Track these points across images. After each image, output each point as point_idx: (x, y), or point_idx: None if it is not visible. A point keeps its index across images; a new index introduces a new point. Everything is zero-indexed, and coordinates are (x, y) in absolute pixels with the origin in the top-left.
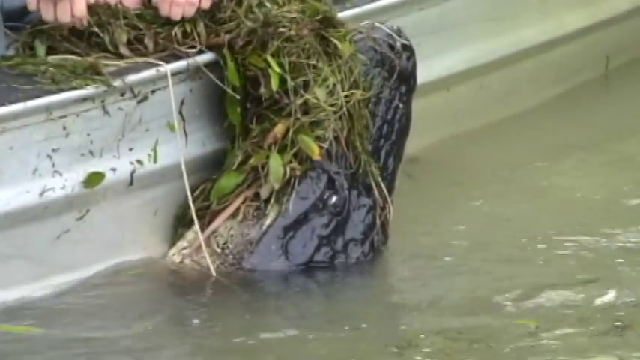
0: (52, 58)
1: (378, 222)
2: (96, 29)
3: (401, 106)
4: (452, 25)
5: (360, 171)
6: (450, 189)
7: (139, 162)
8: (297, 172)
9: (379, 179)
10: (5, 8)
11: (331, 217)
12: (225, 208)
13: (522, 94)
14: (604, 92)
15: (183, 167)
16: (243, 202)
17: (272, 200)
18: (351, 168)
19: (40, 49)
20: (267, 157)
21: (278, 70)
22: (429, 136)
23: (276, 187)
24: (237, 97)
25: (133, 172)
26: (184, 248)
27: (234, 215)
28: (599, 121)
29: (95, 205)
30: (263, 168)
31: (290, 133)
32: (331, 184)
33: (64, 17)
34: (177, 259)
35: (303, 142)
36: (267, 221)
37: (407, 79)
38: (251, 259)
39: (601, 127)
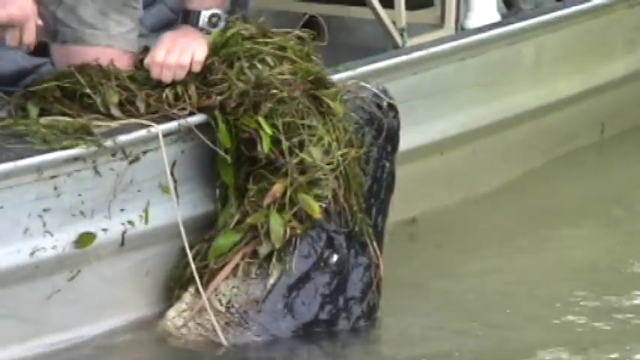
0: (44, 119)
1: (374, 281)
2: (88, 90)
3: (387, 164)
4: (445, 90)
5: (357, 229)
6: (447, 251)
7: (131, 222)
8: (298, 231)
9: (373, 237)
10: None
11: (333, 276)
12: (223, 266)
13: (516, 159)
14: (599, 158)
15: (181, 227)
16: (242, 259)
17: (274, 259)
18: (347, 226)
19: (33, 111)
20: (267, 216)
21: (269, 132)
22: (425, 200)
23: (277, 246)
24: (229, 159)
25: (124, 233)
26: (184, 310)
27: (234, 273)
28: (593, 186)
29: (87, 265)
30: (262, 226)
31: (289, 193)
32: (330, 243)
33: (13, 43)
34: (178, 322)
35: (303, 201)
36: (272, 280)
37: (392, 137)
38: (258, 318)
39: (595, 192)
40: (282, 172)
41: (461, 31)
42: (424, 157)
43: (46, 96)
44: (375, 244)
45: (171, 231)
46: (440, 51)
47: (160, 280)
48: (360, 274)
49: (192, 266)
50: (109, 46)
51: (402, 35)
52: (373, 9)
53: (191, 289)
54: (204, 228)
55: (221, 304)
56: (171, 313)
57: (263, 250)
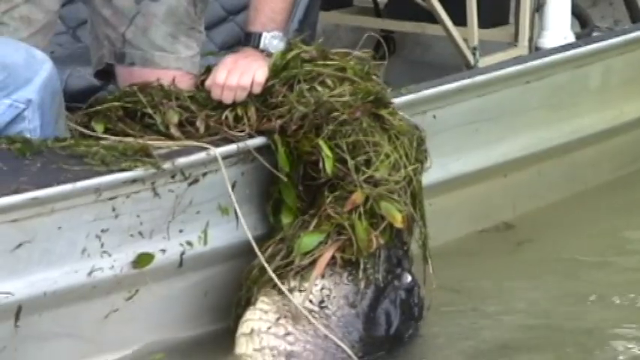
0: (104, 141)
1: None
2: (149, 110)
3: None
4: (510, 112)
5: (420, 243)
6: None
7: (189, 243)
8: (381, 241)
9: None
10: (69, 89)
11: (405, 293)
12: (311, 263)
13: (582, 181)
14: None
15: (252, 242)
16: (331, 259)
17: (362, 265)
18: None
19: (97, 129)
20: (349, 220)
21: (330, 154)
22: (488, 221)
23: (365, 253)
24: (289, 181)
25: (182, 254)
26: (266, 312)
27: (322, 274)
28: None
29: (144, 285)
30: (344, 229)
31: (370, 200)
32: (401, 261)
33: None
34: (262, 326)
35: (386, 209)
36: (362, 287)
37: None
38: (356, 324)
39: None
40: (349, 189)
41: (535, 50)
42: (488, 179)
43: (109, 115)
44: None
45: (231, 252)
46: (503, 75)
47: (218, 300)
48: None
49: (270, 271)
50: (177, 69)
51: (474, 54)
52: (445, 27)
53: (267, 293)
54: None
55: (313, 304)
56: (250, 315)
57: (350, 254)
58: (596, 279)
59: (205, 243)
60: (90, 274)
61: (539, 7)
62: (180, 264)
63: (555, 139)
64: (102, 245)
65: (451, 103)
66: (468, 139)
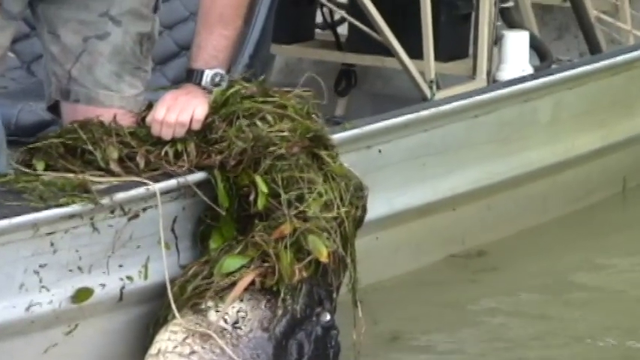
0: (44, 176)
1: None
2: (89, 146)
3: None
4: (458, 146)
5: (349, 287)
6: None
7: (129, 278)
8: (304, 274)
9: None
10: (21, 124)
11: (322, 331)
12: (230, 286)
13: (533, 215)
14: (621, 211)
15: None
16: (251, 284)
17: (282, 294)
18: (337, 288)
19: (38, 166)
20: (275, 249)
21: (265, 190)
22: (436, 254)
23: (287, 281)
24: (228, 216)
25: (122, 288)
26: (176, 333)
27: (240, 297)
28: (612, 241)
29: (84, 319)
30: (269, 256)
31: (297, 233)
32: (322, 300)
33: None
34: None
35: (312, 242)
36: (279, 314)
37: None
38: (266, 348)
39: (616, 246)
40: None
41: (492, 83)
42: (436, 213)
43: (50, 152)
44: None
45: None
46: (449, 109)
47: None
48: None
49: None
50: (121, 107)
51: (430, 87)
52: (400, 60)
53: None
54: None
55: (226, 323)
56: (160, 336)
57: (271, 281)
58: (545, 315)
59: (146, 277)
60: (28, 309)
61: (497, 40)
62: (121, 298)
63: (505, 172)
64: (40, 280)
65: (397, 138)
66: (415, 173)
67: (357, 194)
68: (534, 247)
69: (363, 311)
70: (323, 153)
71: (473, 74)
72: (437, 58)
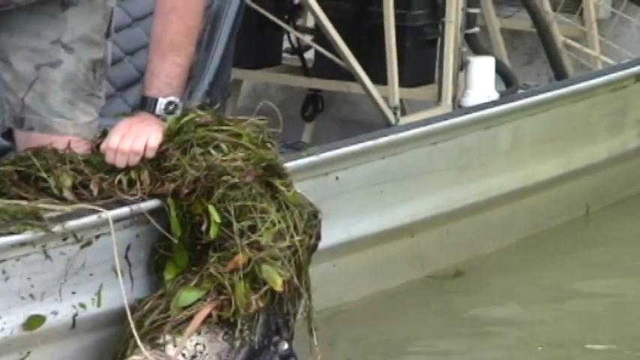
0: None
1: None
2: (43, 174)
3: None
4: (417, 173)
5: (305, 315)
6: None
7: (82, 305)
8: (261, 304)
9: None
10: None
11: None
12: (187, 320)
13: (493, 240)
14: (585, 236)
15: (125, 302)
16: (208, 317)
17: (239, 326)
18: (294, 316)
19: None
20: (230, 280)
21: (218, 219)
22: (395, 281)
23: (242, 312)
24: (181, 245)
25: (75, 315)
26: None
27: (198, 331)
28: (574, 264)
29: (36, 347)
30: (224, 288)
31: (252, 263)
32: (284, 326)
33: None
34: None
35: (267, 272)
36: (236, 346)
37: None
38: None
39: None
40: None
41: (458, 108)
42: (394, 240)
43: (3, 179)
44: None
45: (126, 313)
46: (407, 137)
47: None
48: None
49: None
50: (75, 135)
51: (395, 113)
52: (364, 86)
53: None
54: None
55: (184, 358)
56: None
57: (227, 313)
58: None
59: (99, 305)
60: None
61: (463, 65)
62: (73, 325)
63: (464, 199)
64: None
65: (354, 165)
66: (372, 200)
67: (311, 222)
68: (497, 268)
69: (320, 335)
70: (277, 182)
71: (438, 100)
72: (402, 83)
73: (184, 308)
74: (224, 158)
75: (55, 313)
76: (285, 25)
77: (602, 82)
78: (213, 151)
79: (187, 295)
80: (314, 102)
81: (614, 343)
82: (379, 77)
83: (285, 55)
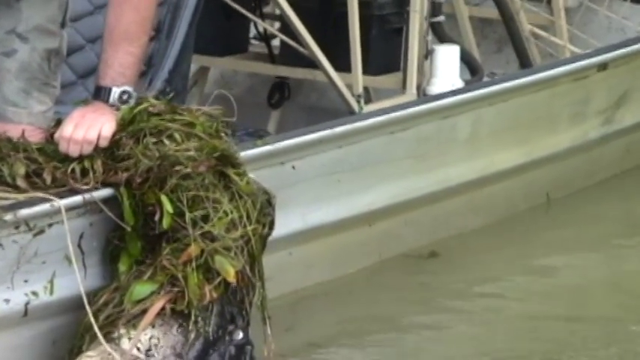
0: None
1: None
2: None
3: None
4: (374, 162)
5: (259, 304)
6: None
7: (34, 293)
8: (215, 295)
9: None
10: None
11: (235, 349)
12: (142, 313)
13: (451, 229)
14: (543, 227)
15: (82, 292)
16: (162, 310)
17: (192, 318)
18: (249, 304)
19: None
20: (184, 272)
21: (170, 209)
22: (351, 267)
23: (195, 304)
24: (134, 232)
25: (27, 304)
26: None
27: (152, 324)
28: (535, 249)
29: None
30: (178, 280)
31: (205, 254)
32: (235, 318)
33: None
34: None
35: (219, 263)
36: (191, 338)
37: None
38: None
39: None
40: (184, 243)
41: (422, 96)
42: (352, 229)
43: None
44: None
45: (79, 302)
46: (367, 125)
47: (67, 349)
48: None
49: (91, 317)
50: (29, 124)
51: (358, 101)
52: (326, 74)
53: (96, 341)
54: None
55: (139, 352)
56: None
57: (181, 305)
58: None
59: (52, 293)
60: None
61: (427, 54)
62: (25, 313)
63: (422, 188)
64: None
65: (310, 154)
66: (330, 189)
67: (264, 211)
68: (458, 255)
69: (279, 322)
70: (230, 171)
71: (403, 88)
72: (368, 71)
73: (138, 302)
74: (177, 148)
75: (6, 300)
76: (250, 15)
77: (564, 72)
78: (166, 141)
79: (141, 289)
80: (280, 89)
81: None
82: (345, 65)
83: (253, 42)
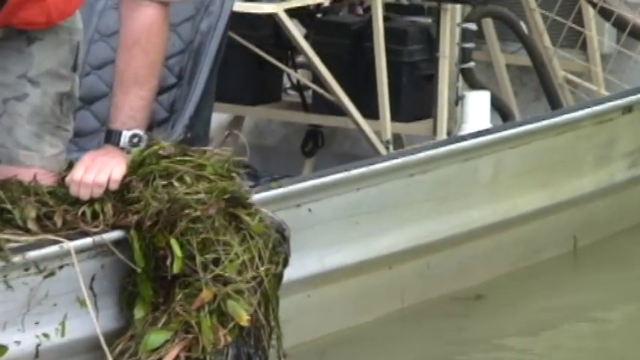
0: None
1: None
2: (7, 205)
3: None
4: (394, 205)
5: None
6: None
7: (46, 335)
8: (229, 339)
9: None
10: None
11: None
12: None
13: (476, 272)
14: (571, 270)
15: (100, 334)
16: (176, 358)
17: None
18: (267, 343)
19: None
20: (197, 319)
21: (179, 253)
22: (372, 314)
23: (209, 349)
24: (145, 275)
25: (38, 345)
26: None
27: None
28: (563, 298)
29: None
30: (191, 327)
31: (218, 299)
32: (256, 356)
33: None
34: None
35: (231, 307)
36: None
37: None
38: None
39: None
40: (196, 287)
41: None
42: (372, 272)
43: None
44: None
45: (91, 344)
46: (385, 168)
47: None
48: None
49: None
50: (42, 167)
51: (387, 147)
52: (354, 121)
53: None
54: None
55: None
56: None
57: (196, 352)
58: None
59: (63, 335)
60: None
61: (458, 100)
62: (37, 355)
63: (444, 231)
64: None
65: (327, 197)
66: (348, 231)
67: (277, 249)
68: (481, 305)
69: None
70: (241, 212)
71: (434, 134)
72: (399, 118)
73: (153, 351)
74: (187, 190)
75: (17, 342)
76: (282, 66)
77: (587, 115)
78: (176, 183)
79: (155, 338)
80: (314, 138)
81: None
82: (374, 113)
83: (289, 91)
